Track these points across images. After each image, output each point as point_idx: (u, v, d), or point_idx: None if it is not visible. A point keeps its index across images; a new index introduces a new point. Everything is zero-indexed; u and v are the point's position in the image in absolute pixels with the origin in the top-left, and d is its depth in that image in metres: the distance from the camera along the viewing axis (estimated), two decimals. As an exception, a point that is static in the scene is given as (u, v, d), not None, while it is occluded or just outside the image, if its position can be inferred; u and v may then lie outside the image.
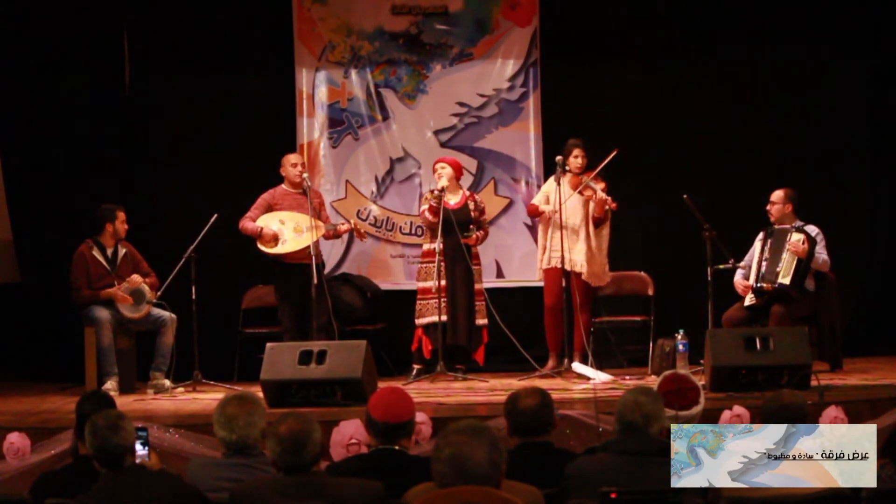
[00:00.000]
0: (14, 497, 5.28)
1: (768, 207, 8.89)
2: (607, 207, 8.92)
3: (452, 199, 9.08)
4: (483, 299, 9.13)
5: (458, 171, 9.26)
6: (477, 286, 9.13)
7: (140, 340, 9.14)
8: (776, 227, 8.84)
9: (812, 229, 8.76)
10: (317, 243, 8.93)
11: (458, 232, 8.89)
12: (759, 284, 8.70)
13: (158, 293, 8.87)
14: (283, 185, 9.20)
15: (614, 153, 8.90)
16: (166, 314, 8.89)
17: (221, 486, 4.45)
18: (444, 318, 8.85)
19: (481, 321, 9.11)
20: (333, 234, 9.33)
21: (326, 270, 9.36)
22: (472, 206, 9.16)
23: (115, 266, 8.95)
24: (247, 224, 9.03)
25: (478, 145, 10.39)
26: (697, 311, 8.79)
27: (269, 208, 9.10)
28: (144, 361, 9.01)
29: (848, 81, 10.30)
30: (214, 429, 4.65)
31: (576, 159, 9.06)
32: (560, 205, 8.80)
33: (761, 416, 4.85)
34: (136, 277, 8.88)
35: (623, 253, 9.69)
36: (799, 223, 8.82)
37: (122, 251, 9.01)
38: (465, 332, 8.99)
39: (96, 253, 8.92)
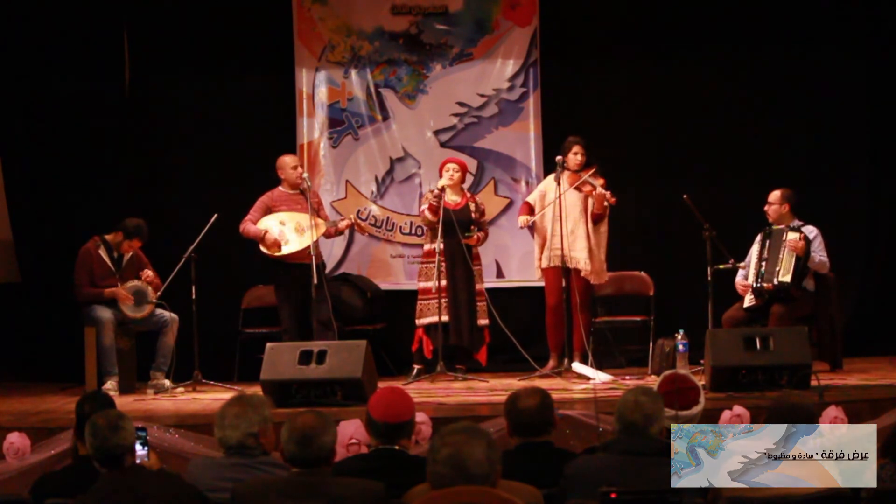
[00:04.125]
0: (14, 497, 5.27)
1: (766, 208, 8.90)
2: (606, 203, 8.92)
3: (454, 200, 9.07)
4: (484, 299, 9.14)
5: (464, 173, 9.29)
6: (478, 286, 9.14)
7: (140, 340, 9.14)
8: (773, 226, 8.85)
9: (811, 230, 8.78)
10: (317, 243, 8.93)
11: (459, 232, 8.89)
12: (758, 284, 8.71)
13: (159, 293, 8.86)
14: (280, 187, 9.19)
15: (592, 170, 8.91)
16: (168, 314, 8.89)
17: (221, 486, 4.45)
18: (444, 318, 8.86)
19: (483, 321, 9.12)
20: (335, 232, 9.32)
21: (326, 270, 9.36)
22: (472, 206, 9.17)
23: (121, 267, 8.95)
24: (248, 227, 9.02)
25: (478, 145, 10.39)
26: (697, 311, 8.79)
27: (268, 210, 9.09)
28: (144, 361, 9.02)
29: (848, 81, 10.29)
30: (213, 430, 4.66)
31: (575, 156, 9.04)
32: (560, 204, 8.78)
33: (767, 416, 4.83)
34: (143, 277, 8.88)
35: (623, 253, 9.69)
36: (797, 223, 8.83)
37: (127, 254, 9.01)
38: (467, 333, 8.99)
39: (103, 252, 8.92)
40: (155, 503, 4.28)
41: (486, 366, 9.33)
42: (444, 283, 8.86)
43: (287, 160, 9.24)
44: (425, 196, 9.19)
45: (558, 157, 8.96)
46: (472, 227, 9.10)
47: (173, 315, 8.91)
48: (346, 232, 9.74)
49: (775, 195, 8.89)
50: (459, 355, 9.08)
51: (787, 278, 8.57)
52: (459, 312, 8.98)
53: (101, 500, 4.27)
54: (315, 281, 8.63)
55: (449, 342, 8.93)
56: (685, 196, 8.68)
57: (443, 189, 8.99)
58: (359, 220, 9.32)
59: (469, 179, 10.18)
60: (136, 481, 4.35)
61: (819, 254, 8.74)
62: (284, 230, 8.98)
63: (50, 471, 5.45)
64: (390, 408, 4.76)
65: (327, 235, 9.31)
